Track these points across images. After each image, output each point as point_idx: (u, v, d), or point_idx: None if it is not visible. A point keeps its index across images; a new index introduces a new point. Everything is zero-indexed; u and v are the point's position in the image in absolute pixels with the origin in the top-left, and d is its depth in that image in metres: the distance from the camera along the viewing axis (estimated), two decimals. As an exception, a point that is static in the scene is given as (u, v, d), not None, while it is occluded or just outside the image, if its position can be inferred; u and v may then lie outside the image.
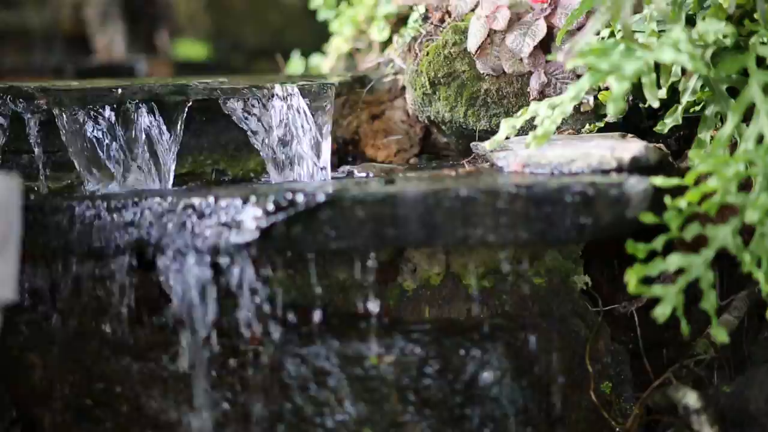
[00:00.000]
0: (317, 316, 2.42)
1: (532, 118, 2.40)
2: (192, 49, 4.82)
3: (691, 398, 2.37)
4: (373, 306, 2.41)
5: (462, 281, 2.49)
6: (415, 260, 2.50)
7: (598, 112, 2.66)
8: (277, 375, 2.38)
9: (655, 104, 2.26)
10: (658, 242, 2.08)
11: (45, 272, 2.39)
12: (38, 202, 2.38)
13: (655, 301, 2.10)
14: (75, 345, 2.43)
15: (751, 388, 2.39)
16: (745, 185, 2.25)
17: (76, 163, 2.54)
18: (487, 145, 2.48)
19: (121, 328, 2.42)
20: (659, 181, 2.18)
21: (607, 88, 2.60)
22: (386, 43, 3.08)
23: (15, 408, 2.45)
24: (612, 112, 2.14)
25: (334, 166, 2.76)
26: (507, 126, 2.42)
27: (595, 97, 2.64)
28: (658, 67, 2.40)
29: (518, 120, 2.41)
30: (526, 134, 2.38)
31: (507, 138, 2.44)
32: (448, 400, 2.37)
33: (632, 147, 2.37)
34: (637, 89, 2.30)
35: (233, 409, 2.39)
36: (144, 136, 2.56)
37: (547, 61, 2.65)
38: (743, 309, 2.58)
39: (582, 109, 2.64)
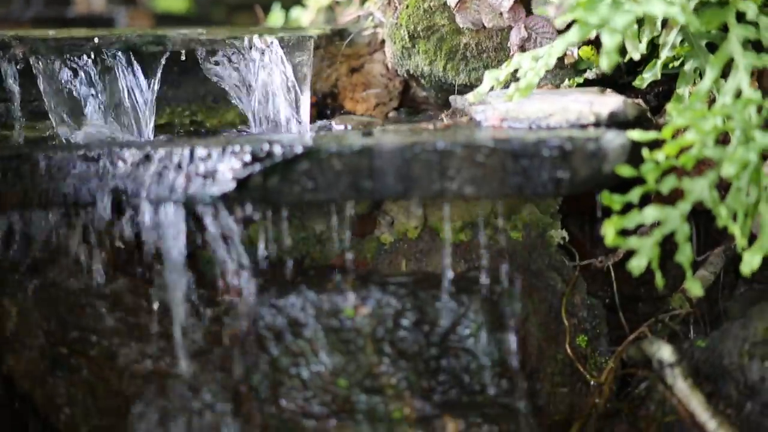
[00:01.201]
0: (292, 267, 2.42)
1: (512, 74, 2.40)
2: (172, 2, 4.79)
3: (665, 352, 2.38)
4: (349, 258, 2.42)
5: (439, 235, 2.49)
6: (393, 213, 2.50)
7: (577, 67, 2.65)
8: (253, 326, 2.38)
9: (636, 56, 2.26)
10: (635, 194, 2.08)
11: (19, 220, 2.38)
12: (13, 150, 2.36)
13: (631, 256, 2.11)
14: (50, 293, 2.43)
15: (725, 342, 2.40)
16: (723, 140, 2.26)
17: (51, 113, 2.53)
18: (470, 97, 2.48)
19: (97, 277, 2.41)
20: (637, 135, 2.17)
21: (587, 43, 2.60)
22: (366, -3, 3.07)
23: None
24: (606, 66, 2.13)
25: (313, 119, 2.75)
26: (490, 78, 2.42)
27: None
28: (637, 22, 2.40)
29: (501, 72, 2.41)
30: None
31: (491, 89, 2.43)
32: (423, 352, 2.38)
33: (610, 102, 2.37)
34: (615, 44, 2.30)
35: (209, 360, 2.39)
36: (122, 86, 2.55)
37: (526, 16, 2.64)
38: (719, 265, 2.58)
39: (566, 62, 2.63)
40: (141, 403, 2.40)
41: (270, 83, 2.62)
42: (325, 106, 2.93)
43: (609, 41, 2.13)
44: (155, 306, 2.38)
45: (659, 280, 2.09)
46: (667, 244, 2.26)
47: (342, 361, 2.38)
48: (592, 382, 2.48)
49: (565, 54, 2.55)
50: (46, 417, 2.45)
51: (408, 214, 2.49)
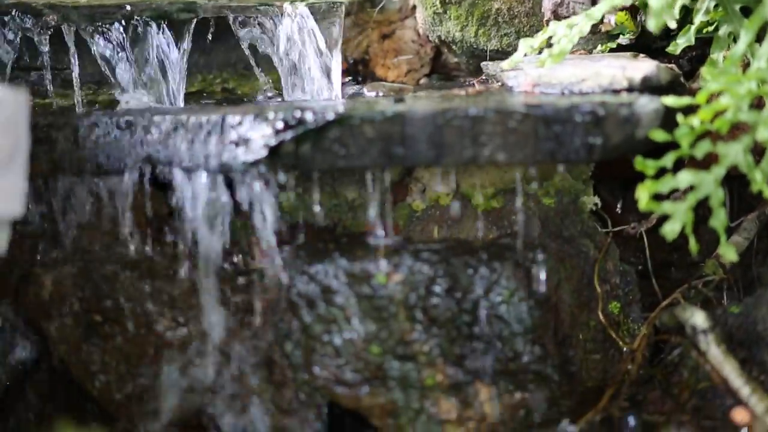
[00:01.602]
0: (325, 234, 2.43)
1: (546, 41, 2.39)
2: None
3: (698, 318, 2.37)
4: (382, 225, 2.42)
5: (471, 201, 2.49)
6: (425, 180, 2.49)
7: (610, 32, 2.63)
8: (286, 293, 2.38)
9: (672, 24, 2.24)
10: (669, 159, 2.07)
11: (54, 189, 2.40)
12: (46, 118, 2.37)
13: (664, 222, 2.10)
14: (84, 262, 2.44)
15: (759, 308, 2.39)
16: (758, 104, 2.24)
17: (83, 81, 2.54)
18: (503, 65, 2.47)
19: (131, 245, 2.42)
20: (670, 100, 2.16)
21: (622, 9, 2.58)
22: (398, -38, 3.05)
23: (24, 323, 2.46)
24: (653, 27, 2.12)
25: (344, 86, 2.75)
26: (525, 45, 2.41)
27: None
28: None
29: (536, 40, 2.40)
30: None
31: (525, 56, 2.43)
32: (456, 319, 2.38)
33: (643, 67, 2.35)
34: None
35: (242, 328, 2.40)
36: (153, 53, 2.55)
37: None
38: (753, 230, 2.57)
39: (603, 29, 2.61)
40: (174, 371, 2.41)
41: (301, 50, 2.61)
42: (356, 73, 2.93)
43: (656, 3, 2.12)
44: (188, 274, 2.39)
45: (693, 245, 2.08)
46: (701, 210, 2.25)
47: (374, 329, 2.38)
48: (624, 349, 2.48)
49: (601, 21, 2.54)
50: (80, 384, 2.47)
51: (440, 181, 2.48)
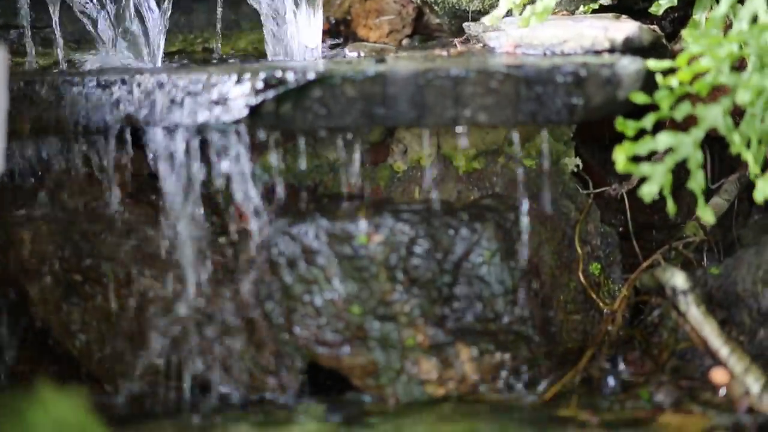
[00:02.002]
0: (306, 195, 2.43)
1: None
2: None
3: (678, 279, 2.37)
4: (363, 186, 2.42)
5: (452, 162, 2.49)
6: (406, 141, 2.49)
7: (592, -8, 2.63)
8: (266, 254, 2.38)
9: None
10: (648, 120, 2.07)
11: (33, 148, 2.39)
12: (26, 77, 2.36)
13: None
14: (64, 221, 2.43)
15: (738, 269, 2.40)
16: (739, 66, 2.24)
17: (62, 40, 2.52)
18: (485, 20, 2.46)
19: (111, 204, 2.42)
20: (652, 62, 2.16)
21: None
22: None
23: (4, 282, 2.46)
24: None
25: (326, 47, 2.74)
26: (507, 1, 2.40)
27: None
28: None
29: (519, -3, 2.40)
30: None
31: (508, 13, 2.42)
32: (436, 280, 2.38)
33: (625, 28, 2.35)
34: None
35: (222, 288, 2.40)
36: (132, 12, 2.54)
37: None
38: (733, 192, 2.58)
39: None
40: (154, 331, 2.41)
41: (281, 10, 2.60)
42: (337, 34, 2.91)
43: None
44: (168, 234, 2.39)
45: (671, 206, 2.08)
46: (682, 172, 2.25)
47: (355, 289, 2.38)
48: (605, 310, 2.49)
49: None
50: (61, 343, 2.47)
51: (421, 142, 2.48)
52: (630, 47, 2.32)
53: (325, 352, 2.39)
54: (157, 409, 2.40)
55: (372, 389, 2.40)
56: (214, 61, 2.67)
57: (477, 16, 2.67)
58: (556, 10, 2.62)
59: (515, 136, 2.41)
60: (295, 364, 2.41)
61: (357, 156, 2.41)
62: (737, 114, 2.21)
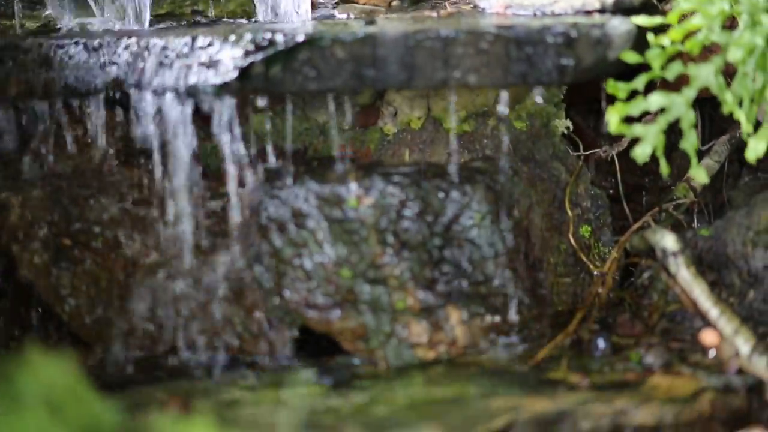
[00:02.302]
0: (296, 158, 2.42)
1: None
2: None
3: (668, 241, 2.36)
4: (353, 149, 2.41)
5: (443, 125, 2.48)
6: (396, 104, 2.48)
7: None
8: (257, 217, 2.37)
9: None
10: (640, 81, 2.06)
11: (22, 111, 2.38)
12: (13, 40, 2.34)
13: (636, 146, 2.10)
14: (53, 185, 2.42)
15: (729, 231, 2.39)
16: (730, 25, 2.23)
17: (50, 2, 2.50)
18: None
19: (100, 169, 2.41)
20: (642, 20, 2.15)
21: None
22: None
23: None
24: None
25: (315, 8, 2.72)
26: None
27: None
28: None
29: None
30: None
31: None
32: (427, 243, 2.38)
33: (616, -12, 2.34)
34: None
35: (212, 252, 2.39)
36: (120, -26, 2.53)
37: None
38: (724, 153, 2.57)
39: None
40: (144, 295, 2.40)
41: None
42: (329, -5, 2.90)
43: None
44: (158, 198, 2.38)
45: (664, 167, 2.08)
46: (673, 135, 2.25)
47: (345, 252, 2.37)
48: (595, 272, 2.49)
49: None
50: (49, 307, 2.46)
51: (411, 104, 2.47)
52: (620, 7, 2.31)
53: (316, 315, 2.39)
54: (148, 373, 2.40)
55: (362, 353, 2.39)
56: (203, 24, 2.65)
57: (467, -23, 2.65)
58: (547, -28, 2.61)
59: (504, 96, 2.40)
60: (286, 328, 2.40)
61: (347, 118, 2.40)
62: (729, 73, 2.20)
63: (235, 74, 2.23)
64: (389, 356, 2.39)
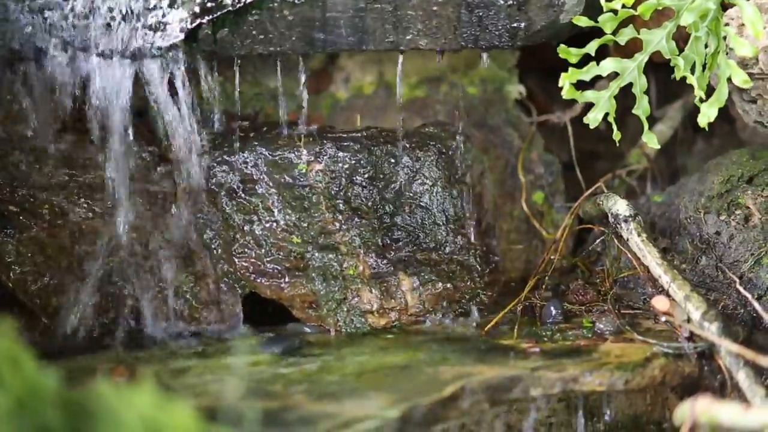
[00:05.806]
0: (245, 123, 2.39)
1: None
2: None
3: (620, 206, 2.34)
4: (303, 114, 2.38)
5: (395, 90, 2.45)
6: (348, 69, 2.46)
7: None
8: (205, 183, 2.34)
9: None
10: (592, 46, 2.05)
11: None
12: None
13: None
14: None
15: (681, 197, 2.39)
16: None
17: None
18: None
19: (45, 133, 2.37)
20: (595, -16, 2.13)
21: None
22: None
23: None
24: None
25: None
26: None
27: None
28: None
29: None
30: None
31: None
32: (378, 209, 2.35)
33: (569, -49, 2.32)
34: None
35: (160, 218, 2.36)
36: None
37: None
38: (677, 119, 2.56)
39: None
40: (91, 261, 2.37)
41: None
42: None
43: None
44: (104, 163, 2.34)
45: (616, 132, 2.07)
46: (626, 101, 2.23)
47: (295, 218, 2.35)
48: (547, 239, 2.47)
49: None
50: (-6, 275, 2.43)
51: (363, 69, 2.45)
52: (574, -29, 2.29)
53: (265, 282, 2.36)
54: (94, 342, 2.37)
55: (313, 320, 2.37)
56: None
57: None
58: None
59: (458, 64, 2.39)
60: (235, 295, 2.37)
61: (297, 83, 2.38)
62: (682, 39, 2.19)
63: (181, 36, 2.19)
64: (340, 323, 2.37)
